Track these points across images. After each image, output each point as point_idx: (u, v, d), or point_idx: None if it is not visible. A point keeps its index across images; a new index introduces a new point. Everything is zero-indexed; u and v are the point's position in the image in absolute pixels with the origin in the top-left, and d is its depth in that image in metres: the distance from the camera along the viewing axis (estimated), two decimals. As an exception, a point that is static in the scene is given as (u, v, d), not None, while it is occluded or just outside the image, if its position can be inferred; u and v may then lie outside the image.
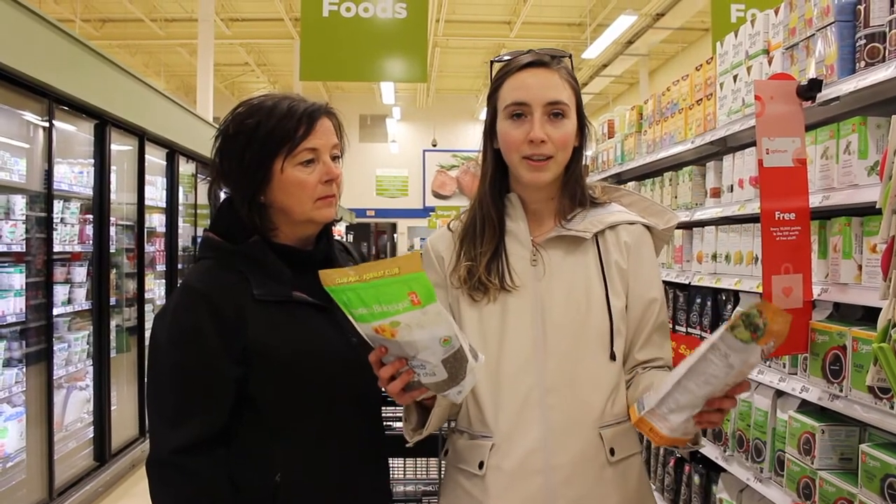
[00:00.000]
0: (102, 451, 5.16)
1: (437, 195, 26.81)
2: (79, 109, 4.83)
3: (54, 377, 4.50)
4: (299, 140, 1.53)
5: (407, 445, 1.55)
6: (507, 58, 1.64)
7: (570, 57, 1.66)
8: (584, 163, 1.70)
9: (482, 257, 1.61)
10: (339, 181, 1.60)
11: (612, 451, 1.55)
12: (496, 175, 1.67)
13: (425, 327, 1.31)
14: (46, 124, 4.44)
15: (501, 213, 1.66)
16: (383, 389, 1.44)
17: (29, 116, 4.45)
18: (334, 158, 1.61)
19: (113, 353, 5.41)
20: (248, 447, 1.53)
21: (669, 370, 1.62)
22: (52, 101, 4.43)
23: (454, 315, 1.63)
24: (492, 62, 1.68)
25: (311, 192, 1.56)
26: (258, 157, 1.54)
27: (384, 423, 1.81)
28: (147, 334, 5.97)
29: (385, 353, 1.37)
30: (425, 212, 25.10)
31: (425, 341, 1.32)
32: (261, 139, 1.53)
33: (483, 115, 1.74)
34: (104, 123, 5.17)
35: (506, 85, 1.61)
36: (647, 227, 1.69)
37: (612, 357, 1.57)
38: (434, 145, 26.49)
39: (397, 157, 27.27)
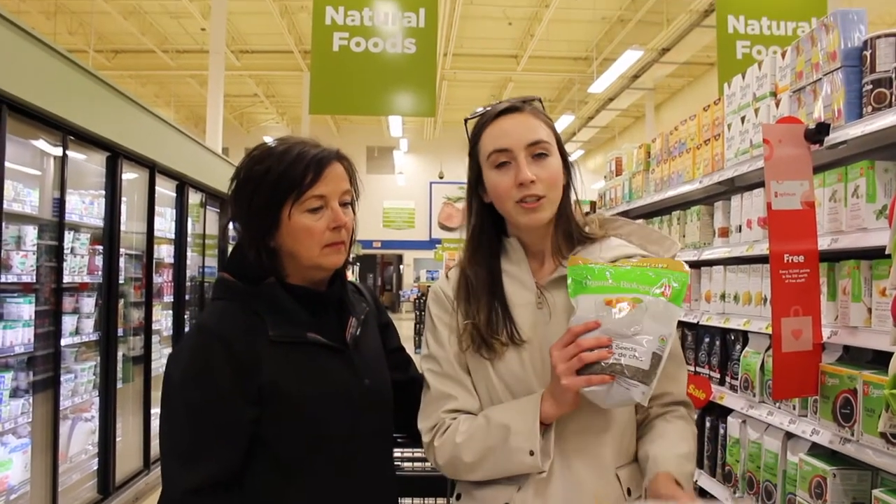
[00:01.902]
0: (106, 483, 5.13)
1: (444, 227, 26.88)
2: (91, 142, 4.88)
3: (60, 408, 4.49)
4: (307, 187, 1.54)
5: (542, 473, 1.50)
6: (480, 111, 1.66)
7: (540, 100, 1.68)
8: (571, 199, 1.68)
9: (480, 314, 1.59)
10: (348, 227, 1.60)
11: (629, 492, 1.54)
12: (485, 228, 1.66)
13: (657, 319, 1.40)
14: (59, 156, 4.49)
15: (493, 267, 1.65)
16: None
17: (42, 148, 4.50)
18: (345, 205, 1.61)
19: (119, 384, 5.40)
20: (261, 488, 1.53)
21: (683, 406, 1.61)
22: (66, 133, 4.48)
23: (473, 373, 1.62)
24: (465, 120, 1.69)
25: (318, 239, 1.56)
26: (266, 202, 1.54)
27: (395, 464, 1.80)
28: (153, 364, 5.99)
29: (595, 327, 1.40)
30: (432, 244, 25.14)
31: (651, 328, 1.39)
32: (269, 185, 1.54)
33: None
34: (116, 156, 5.22)
35: (485, 135, 1.61)
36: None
37: None
38: (441, 177, 26.62)
39: (404, 188, 27.39)
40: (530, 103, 1.64)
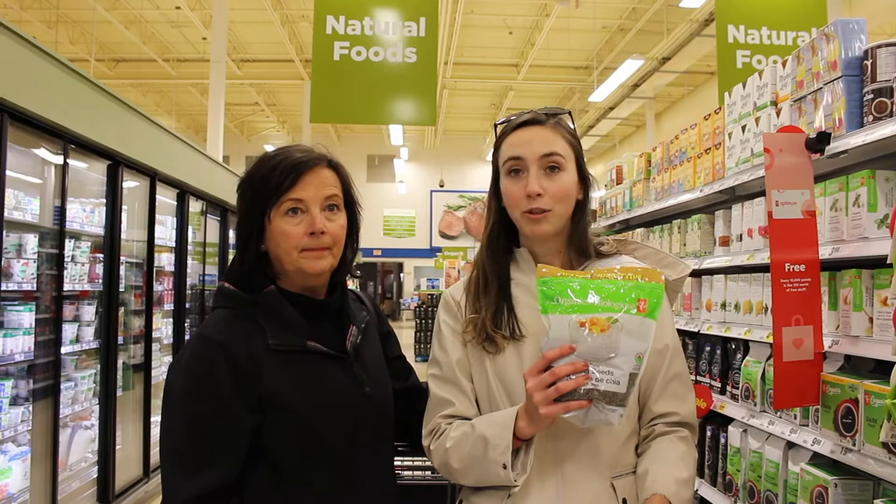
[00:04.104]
0: (106, 491, 5.12)
1: (444, 235, 26.92)
2: (92, 150, 4.88)
3: (60, 416, 4.48)
4: (283, 191, 1.56)
5: (515, 487, 1.49)
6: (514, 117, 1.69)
7: (570, 114, 1.70)
8: (588, 216, 1.70)
9: (487, 310, 1.63)
10: (332, 232, 1.59)
11: (624, 501, 1.54)
12: (500, 231, 1.69)
13: (633, 335, 1.36)
14: (60, 164, 4.50)
15: (504, 268, 1.68)
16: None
17: (43, 156, 4.51)
18: (332, 209, 1.61)
19: (119, 392, 5.39)
20: (261, 496, 1.53)
21: (689, 429, 1.60)
22: (67, 142, 4.49)
23: (472, 365, 1.64)
24: (495, 125, 1.73)
25: (294, 243, 1.57)
26: (251, 207, 1.59)
27: (396, 472, 1.80)
28: (153, 372, 5.98)
29: (570, 352, 1.37)
30: (432, 252, 25.14)
31: (628, 348, 1.36)
32: (253, 190, 1.59)
33: (490, 157, 1.77)
34: (117, 164, 5.23)
35: (504, 143, 1.65)
36: None
37: None
38: (441, 186, 26.64)
39: (405, 197, 27.43)
40: (556, 117, 1.65)
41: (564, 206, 1.60)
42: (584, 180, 1.65)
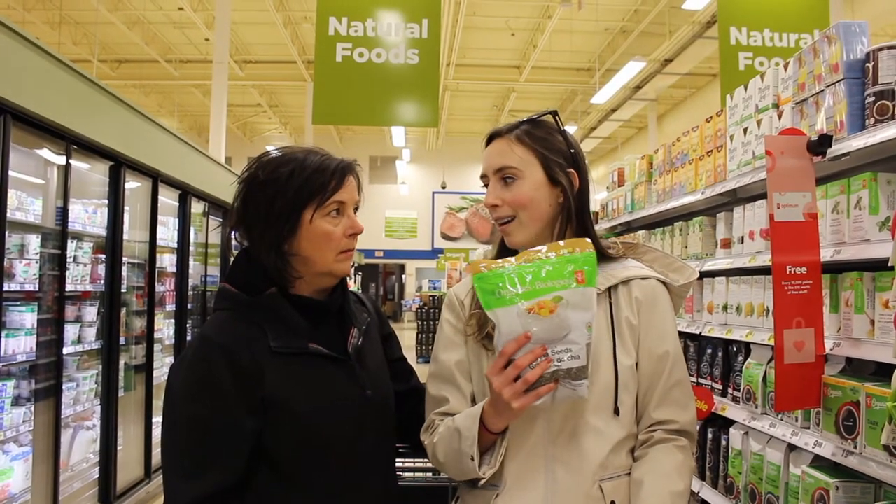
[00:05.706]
0: (107, 492, 5.12)
1: (446, 237, 26.92)
2: (95, 151, 4.89)
3: (61, 416, 4.49)
4: (331, 193, 1.57)
5: (481, 483, 1.51)
6: None
7: (555, 114, 1.69)
8: (579, 215, 1.67)
9: None
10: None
11: None
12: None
13: (580, 308, 1.38)
14: (63, 165, 4.50)
15: None
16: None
17: (46, 157, 4.52)
18: (355, 210, 1.65)
19: (120, 393, 5.39)
20: (263, 499, 1.53)
21: (688, 438, 1.60)
22: (70, 142, 4.50)
23: (471, 363, 1.64)
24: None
25: (336, 245, 1.59)
26: (289, 206, 1.56)
27: (397, 474, 1.80)
28: (155, 373, 5.99)
29: (527, 341, 1.37)
30: (434, 253, 25.18)
31: (578, 322, 1.37)
32: (293, 189, 1.56)
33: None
34: (119, 165, 5.23)
35: None
36: (664, 283, 1.68)
37: (616, 412, 1.56)
38: (443, 187, 26.64)
39: (407, 198, 27.45)
40: (518, 127, 1.66)
41: (528, 213, 1.61)
42: (557, 183, 1.63)
